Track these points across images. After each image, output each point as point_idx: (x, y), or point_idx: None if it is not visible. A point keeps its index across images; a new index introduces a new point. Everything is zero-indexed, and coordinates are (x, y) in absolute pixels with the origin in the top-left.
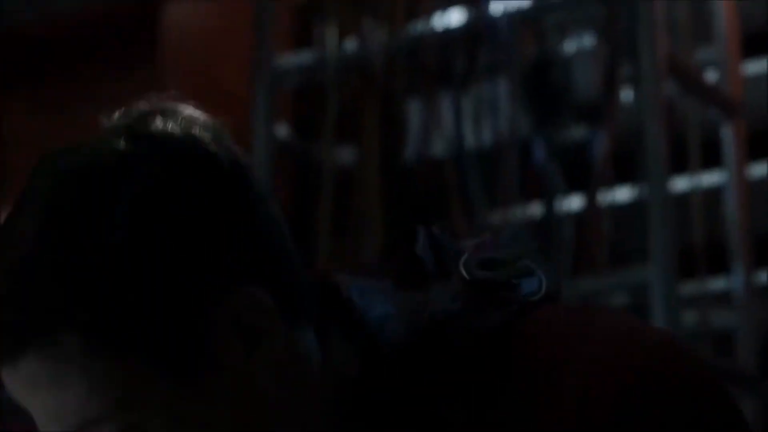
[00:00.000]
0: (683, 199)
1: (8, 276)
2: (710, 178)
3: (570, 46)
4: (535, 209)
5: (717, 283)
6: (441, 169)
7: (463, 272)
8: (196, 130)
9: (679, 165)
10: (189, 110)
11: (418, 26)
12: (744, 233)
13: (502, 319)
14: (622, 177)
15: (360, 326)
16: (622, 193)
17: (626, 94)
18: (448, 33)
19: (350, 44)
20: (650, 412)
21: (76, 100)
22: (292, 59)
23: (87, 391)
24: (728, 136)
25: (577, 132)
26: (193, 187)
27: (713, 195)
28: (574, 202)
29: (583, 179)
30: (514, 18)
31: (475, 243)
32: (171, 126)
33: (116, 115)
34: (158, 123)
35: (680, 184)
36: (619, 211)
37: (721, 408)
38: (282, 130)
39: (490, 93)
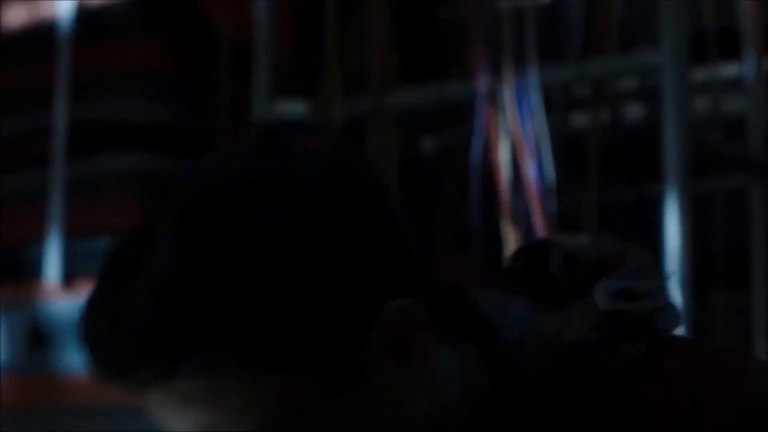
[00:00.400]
0: None
1: (165, 294)
2: None
3: None
4: None
5: (729, 69)
6: None
7: (602, 299)
8: (336, 144)
9: None
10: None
11: None
12: (756, 19)
13: (640, 354)
14: None
15: (497, 347)
16: None
17: None
18: None
19: None
20: None
21: None
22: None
23: (241, 408)
24: None
25: None
26: (344, 204)
27: None
28: None
29: None
30: None
31: (606, 263)
32: (311, 141)
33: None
34: (296, 137)
35: None
36: None
37: None
38: None
39: None
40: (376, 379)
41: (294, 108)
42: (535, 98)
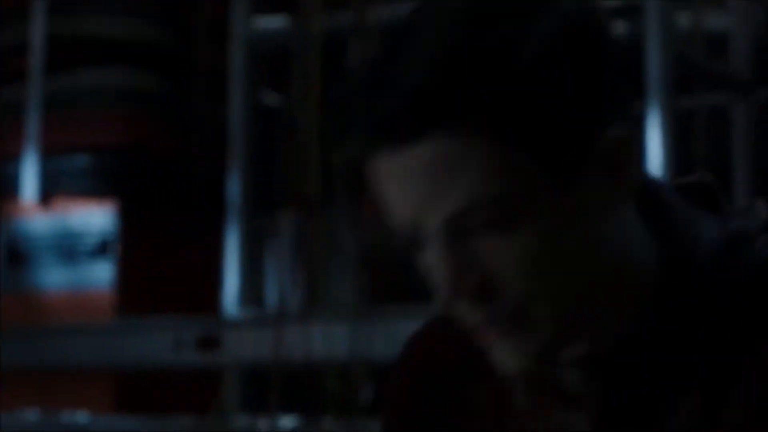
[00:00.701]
0: None
1: (433, 61)
2: None
3: None
4: None
5: None
6: None
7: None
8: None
9: None
10: None
11: None
12: None
13: None
14: None
15: (676, 226)
16: None
17: None
18: None
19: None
20: None
21: None
22: (270, 23)
23: (475, 179)
24: None
25: None
26: (599, 32)
27: None
28: None
29: None
30: None
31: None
32: None
33: None
34: None
35: None
36: None
37: None
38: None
39: None
40: (589, 187)
41: (274, 23)
42: None
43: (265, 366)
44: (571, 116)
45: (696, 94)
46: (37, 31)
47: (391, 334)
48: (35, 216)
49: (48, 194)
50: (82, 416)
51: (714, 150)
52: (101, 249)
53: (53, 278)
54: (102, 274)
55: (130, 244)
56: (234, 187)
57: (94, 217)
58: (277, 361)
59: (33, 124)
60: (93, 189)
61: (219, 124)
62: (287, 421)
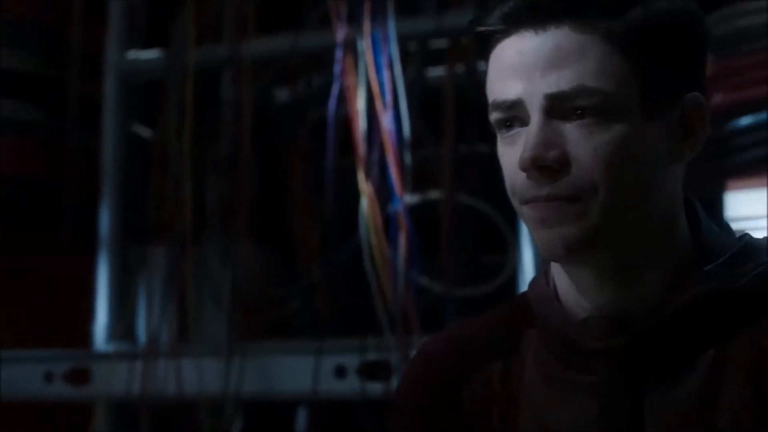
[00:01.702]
0: None
1: None
2: None
3: None
4: None
5: None
6: None
7: None
8: None
9: None
10: None
11: None
12: None
13: None
14: None
15: (706, 229)
16: None
17: None
18: None
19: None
20: None
21: None
22: (144, 55)
23: (586, 71)
24: None
25: None
26: (701, 17)
27: None
28: None
29: None
30: None
31: None
32: None
33: None
34: None
35: None
36: None
37: None
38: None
39: None
40: (668, 131)
41: (148, 55)
42: (394, 49)
43: (136, 400)
44: (675, 58)
45: None
46: None
47: (263, 370)
48: None
49: None
50: None
51: None
52: None
53: None
54: None
55: (1, 274)
56: (105, 219)
57: None
58: (146, 396)
59: None
60: None
61: (92, 154)
62: None
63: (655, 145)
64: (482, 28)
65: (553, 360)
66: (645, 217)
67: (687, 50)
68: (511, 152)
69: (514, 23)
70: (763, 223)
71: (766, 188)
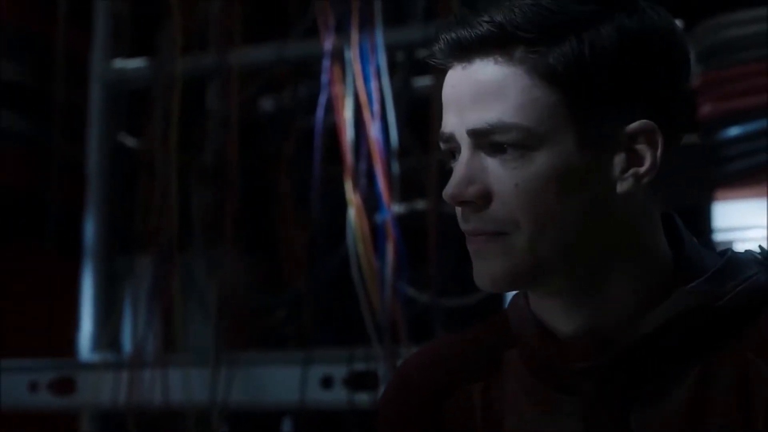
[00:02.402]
0: None
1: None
2: None
3: None
4: None
5: None
6: None
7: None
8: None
9: None
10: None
11: None
12: None
13: None
14: None
15: (689, 247)
16: None
17: None
18: None
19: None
20: None
21: None
22: (129, 64)
23: (508, 107)
24: None
25: None
26: (673, 37)
27: None
28: None
29: None
30: None
31: None
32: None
33: None
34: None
35: None
36: None
37: None
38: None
39: None
40: (611, 160)
41: (134, 64)
42: (381, 59)
43: (122, 410)
44: (616, 88)
45: None
46: None
47: (249, 380)
48: None
49: None
50: None
51: None
52: None
53: None
54: None
55: None
56: (90, 229)
57: None
58: (132, 405)
59: None
60: None
61: (77, 164)
62: None
63: (594, 173)
64: (432, 60)
65: (536, 380)
66: (590, 245)
67: (633, 79)
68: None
69: (447, 56)
70: (752, 233)
71: (755, 199)
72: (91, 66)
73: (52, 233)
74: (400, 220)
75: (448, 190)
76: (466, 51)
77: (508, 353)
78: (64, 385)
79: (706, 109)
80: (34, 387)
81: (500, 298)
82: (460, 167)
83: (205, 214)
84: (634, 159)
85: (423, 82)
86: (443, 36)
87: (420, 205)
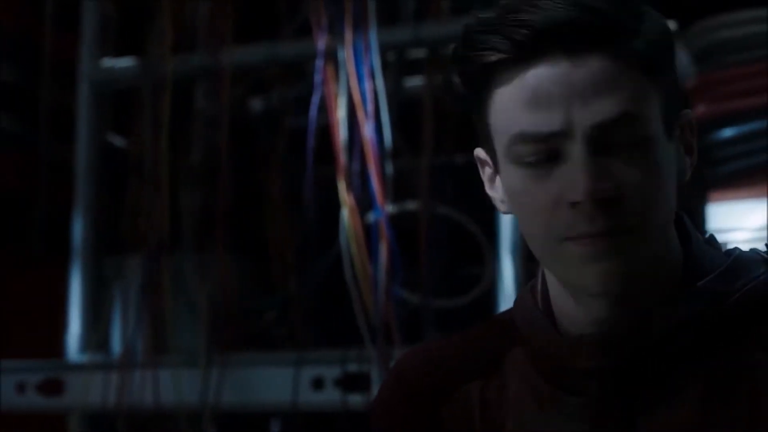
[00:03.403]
0: None
1: None
2: None
3: None
4: None
5: None
6: None
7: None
8: None
9: None
10: None
11: None
12: None
13: None
14: None
15: (697, 246)
16: None
17: None
18: None
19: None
20: None
21: None
22: (118, 63)
23: (626, 97)
24: None
25: None
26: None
27: None
28: None
29: None
30: None
31: None
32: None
33: None
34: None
35: None
36: None
37: None
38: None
39: None
40: (676, 149)
41: (122, 64)
42: (375, 59)
43: (111, 411)
44: (675, 74)
45: None
46: None
47: (240, 381)
48: None
49: None
50: None
51: None
52: None
53: None
54: None
55: None
56: (79, 229)
57: None
58: (122, 407)
59: None
60: None
61: (65, 164)
62: None
63: (672, 163)
64: (497, 57)
65: (542, 380)
66: (663, 236)
67: (676, 65)
68: (546, 186)
69: (541, 49)
70: (743, 235)
71: (749, 200)
72: (79, 66)
73: (41, 234)
74: (391, 221)
75: (582, 186)
76: (574, 42)
77: (512, 353)
78: (52, 387)
79: (699, 110)
80: (22, 388)
81: (490, 298)
82: (585, 163)
83: (195, 215)
84: (688, 149)
85: (411, 82)
86: (529, 22)
87: (409, 206)
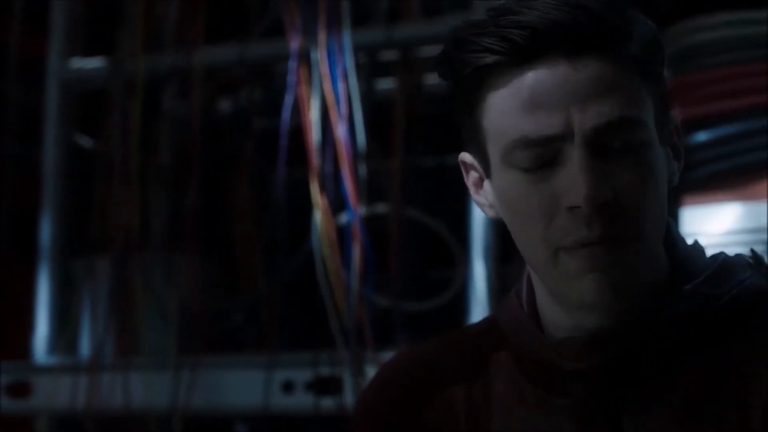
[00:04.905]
0: None
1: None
2: None
3: None
4: None
5: None
6: None
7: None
8: None
9: None
10: None
11: None
12: None
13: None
14: None
15: (682, 250)
16: None
17: None
18: None
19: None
20: None
21: None
22: (87, 63)
23: (624, 101)
24: None
25: None
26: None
27: None
28: None
29: None
30: None
31: None
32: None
33: None
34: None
35: None
36: None
37: None
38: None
39: None
40: (665, 153)
41: (91, 64)
42: (349, 60)
43: (80, 414)
44: (663, 77)
45: None
46: None
47: (210, 384)
48: None
49: None
50: None
51: None
52: None
53: None
54: None
55: None
56: (46, 230)
57: None
58: (91, 410)
59: None
60: None
61: (32, 164)
62: None
63: (665, 171)
64: (489, 59)
65: (528, 383)
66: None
67: (664, 68)
68: (541, 192)
69: (539, 52)
70: (719, 239)
71: (723, 204)
72: (47, 65)
73: (7, 235)
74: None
75: (583, 191)
76: (574, 44)
77: (496, 355)
78: (19, 389)
79: (674, 113)
80: None
81: (461, 302)
82: (586, 168)
83: (163, 217)
84: (676, 153)
85: (381, 84)
86: (520, 27)
87: (380, 208)
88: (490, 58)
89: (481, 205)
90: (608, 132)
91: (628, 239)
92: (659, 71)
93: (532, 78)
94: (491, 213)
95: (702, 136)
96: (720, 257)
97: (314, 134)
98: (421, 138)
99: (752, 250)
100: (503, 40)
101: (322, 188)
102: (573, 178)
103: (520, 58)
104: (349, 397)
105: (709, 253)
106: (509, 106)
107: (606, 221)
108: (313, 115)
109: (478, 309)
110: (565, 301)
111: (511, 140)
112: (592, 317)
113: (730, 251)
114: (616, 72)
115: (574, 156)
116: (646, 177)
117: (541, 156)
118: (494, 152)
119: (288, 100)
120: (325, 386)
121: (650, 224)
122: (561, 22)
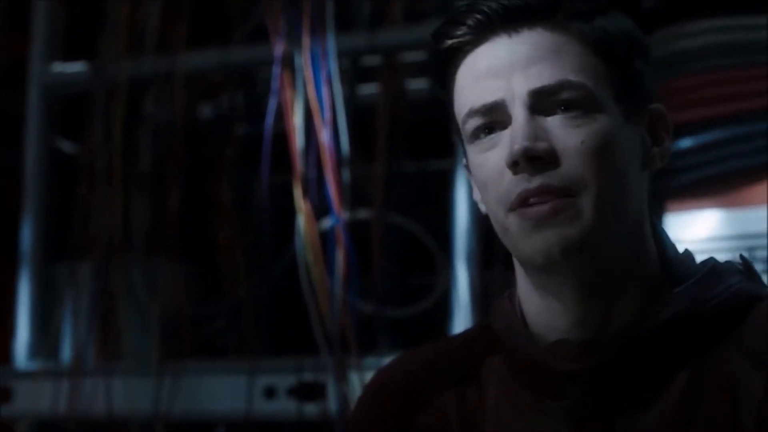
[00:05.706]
0: None
1: None
2: None
3: None
4: None
5: None
6: None
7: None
8: None
9: None
10: None
11: None
12: None
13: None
14: None
15: (672, 251)
16: None
17: None
18: None
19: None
20: None
21: None
22: (69, 68)
23: (565, 66)
24: None
25: None
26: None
27: None
28: None
29: None
30: None
31: None
32: None
33: None
34: None
35: None
36: None
37: None
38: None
39: None
40: (639, 137)
41: (73, 68)
42: (333, 65)
43: (61, 419)
44: (639, 70)
45: None
46: None
47: (192, 390)
48: None
49: None
50: None
51: None
52: None
53: None
54: None
55: None
56: (27, 234)
57: None
58: (72, 415)
59: None
60: None
61: (13, 168)
62: None
63: (633, 147)
64: (452, 42)
65: (521, 387)
66: (625, 223)
67: (646, 66)
68: (493, 155)
69: (487, 31)
70: (702, 245)
71: (705, 210)
72: (29, 70)
73: None
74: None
75: (516, 146)
76: (513, 20)
77: (489, 360)
78: (0, 394)
79: None
80: None
81: (444, 308)
82: (521, 125)
83: (145, 222)
84: (656, 141)
85: (364, 90)
86: (477, 8)
87: (361, 214)
88: (455, 42)
89: (477, 202)
90: (548, 94)
91: (570, 194)
92: (627, 60)
93: (480, 54)
94: (483, 207)
95: (686, 143)
96: (710, 262)
97: (298, 139)
98: (404, 143)
99: (742, 257)
100: (459, 25)
101: (306, 193)
102: (512, 137)
103: (473, 39)
104: (332, 403)
105: (696, 259)
106: (462, 85)
107: (545, 174)
108: (297, 120)
109: (461, 314)
110: (527, 270)
111: (464, 114)
112: (573, 303)
113: (715, 258)
114: (559, 41)
115: (514, 116)
116: (590, 141)
117: (488, 125)
118: (463, 135)
119: (271, 104)
120: (308, 392)
121: (600, 187)
122: (505, 3)
